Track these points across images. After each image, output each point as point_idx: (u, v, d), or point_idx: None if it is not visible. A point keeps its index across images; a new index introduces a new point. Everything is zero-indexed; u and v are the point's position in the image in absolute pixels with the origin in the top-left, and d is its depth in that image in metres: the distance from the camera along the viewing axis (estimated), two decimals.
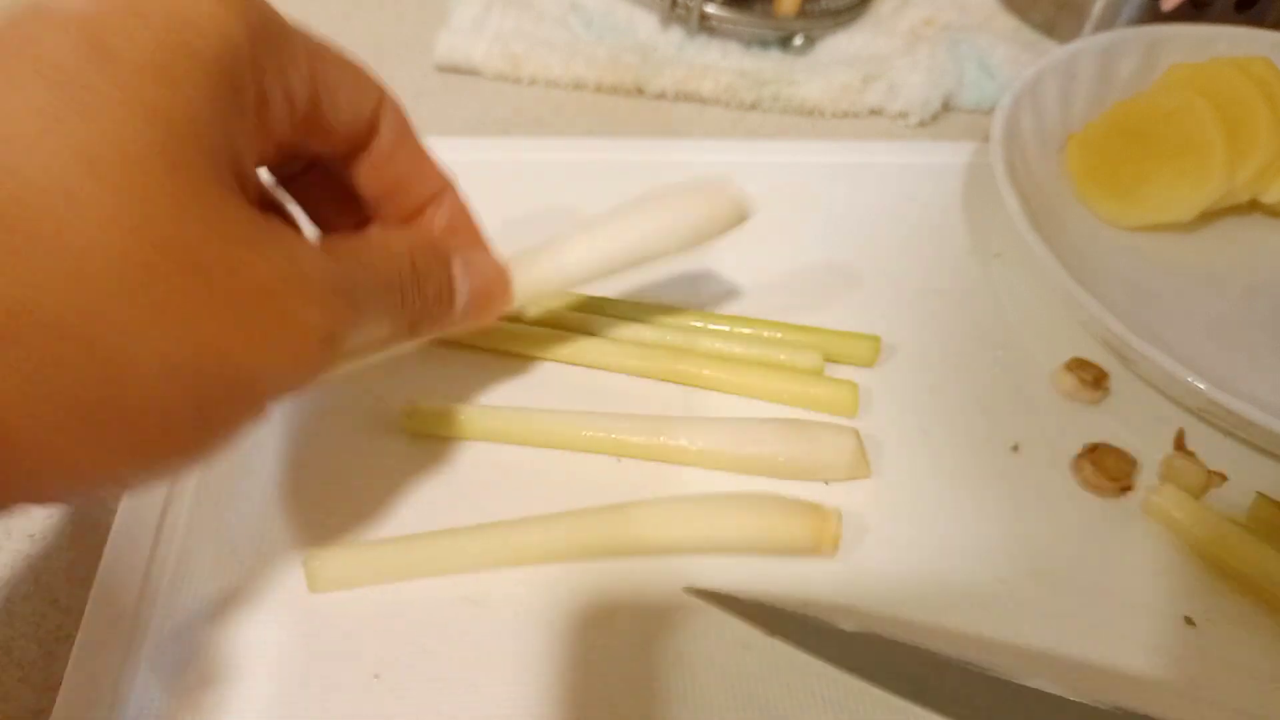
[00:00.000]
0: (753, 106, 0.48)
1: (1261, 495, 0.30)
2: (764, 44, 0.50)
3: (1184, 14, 0.48)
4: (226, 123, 0.19)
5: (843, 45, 0.50)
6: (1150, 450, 0.32)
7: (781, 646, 0.26)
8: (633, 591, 0.27)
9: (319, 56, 0.22)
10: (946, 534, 0.30)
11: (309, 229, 0.27)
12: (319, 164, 0.26)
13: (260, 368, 0.18)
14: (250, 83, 0.20)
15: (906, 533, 0.29)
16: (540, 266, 0.28)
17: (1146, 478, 0.32)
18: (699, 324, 0.34)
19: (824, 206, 0.41)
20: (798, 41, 0.49)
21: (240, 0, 0.20)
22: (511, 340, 0.34)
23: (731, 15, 0.48)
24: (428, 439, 0.31)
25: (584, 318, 0.34)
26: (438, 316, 0.25)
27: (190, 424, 0.18)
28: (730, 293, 0.37)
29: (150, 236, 0.17)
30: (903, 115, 0.47)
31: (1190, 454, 0.32)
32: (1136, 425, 0.33)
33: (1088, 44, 0.44)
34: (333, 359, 0.20)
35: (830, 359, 0.34)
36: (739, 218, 0.29)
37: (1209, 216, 0.40)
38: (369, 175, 0.26)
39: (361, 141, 0.25)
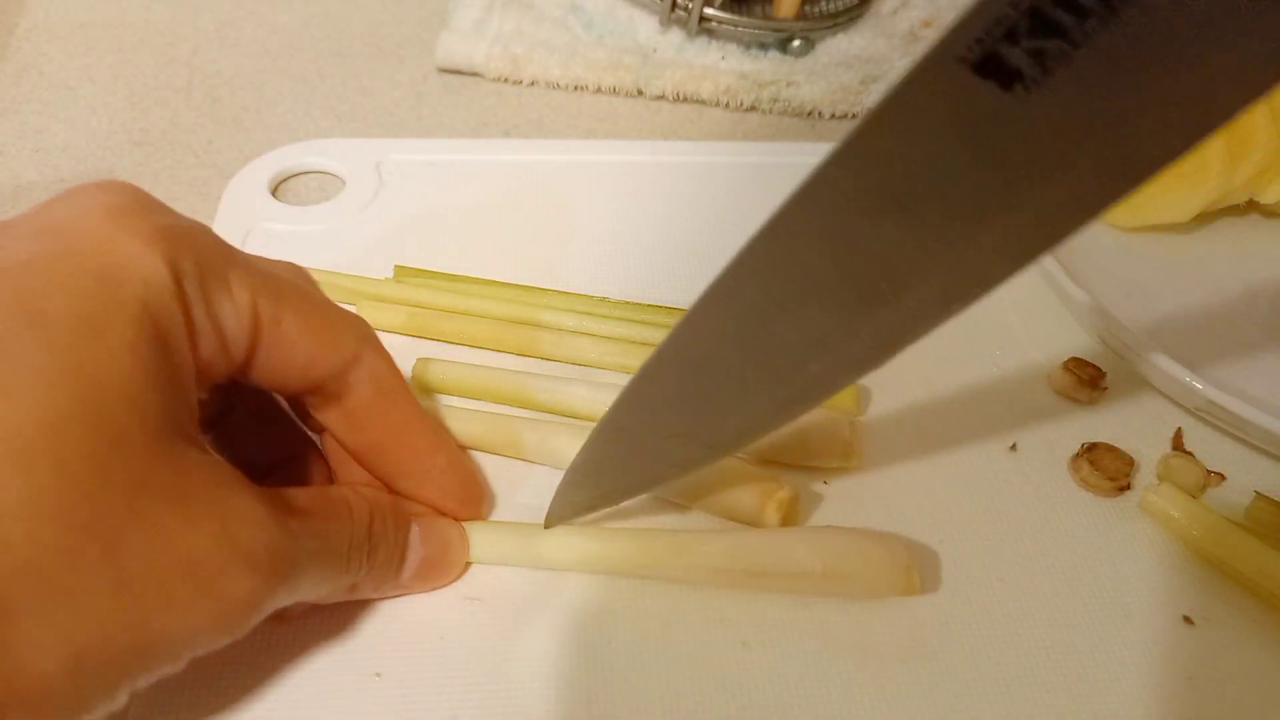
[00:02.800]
0: (752, 108, 0.48)
1: (1260, 495, 0.30)
2: (763, 46, 0.50)
3: None
4: (156, 370, 0.19)
5: (842, 47, 0.50)
6: (1148, 450, 0.32)
7: (780, 645, 0.26)
8: (633, 590, 0.27)
9: (274, 296, 0.22)
10: (943, 532, 0.30)
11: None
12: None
13: (178, 633, 0.18)
14: (178, 322, 0.20)
15: (904, 532, 0.29)
16: (509, 544, 0.27)
17: (1145, 477, 0.32)
18: None
19: None
20: (797, 43, 0.50)
21: (166, 238, 0.20)
22: (503, 336, 0.34)
23: (731, 17, 0.48)
24: None
25: (580, 317, 0.34)
26: (379, 582, 0.25)
27: (95, 690, 0.17)
28: None
29: (62, 518, 0.17)
30: None
31: (1188, 454, 0.32)
32: (1134, 425, 0.33)
33: None
34: (257, 619, 0.20)
35: None
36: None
37: (1206, 217, 0.40)
38: (344, 430, 0.25)
39: (329, 392, 0.24)
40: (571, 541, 0.27)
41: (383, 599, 0.27)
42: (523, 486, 0.30)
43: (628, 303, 0.35)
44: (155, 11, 0.51)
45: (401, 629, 0.26)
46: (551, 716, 0.25)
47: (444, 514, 0.27)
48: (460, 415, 0.31)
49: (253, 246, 0.37)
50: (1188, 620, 0.28)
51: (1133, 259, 0.39)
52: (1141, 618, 0.28)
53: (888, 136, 0.16)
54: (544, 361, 0.34)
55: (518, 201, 0.40)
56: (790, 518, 0.28)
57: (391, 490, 0.26)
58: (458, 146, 0.43)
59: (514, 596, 0.27)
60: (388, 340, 0.34)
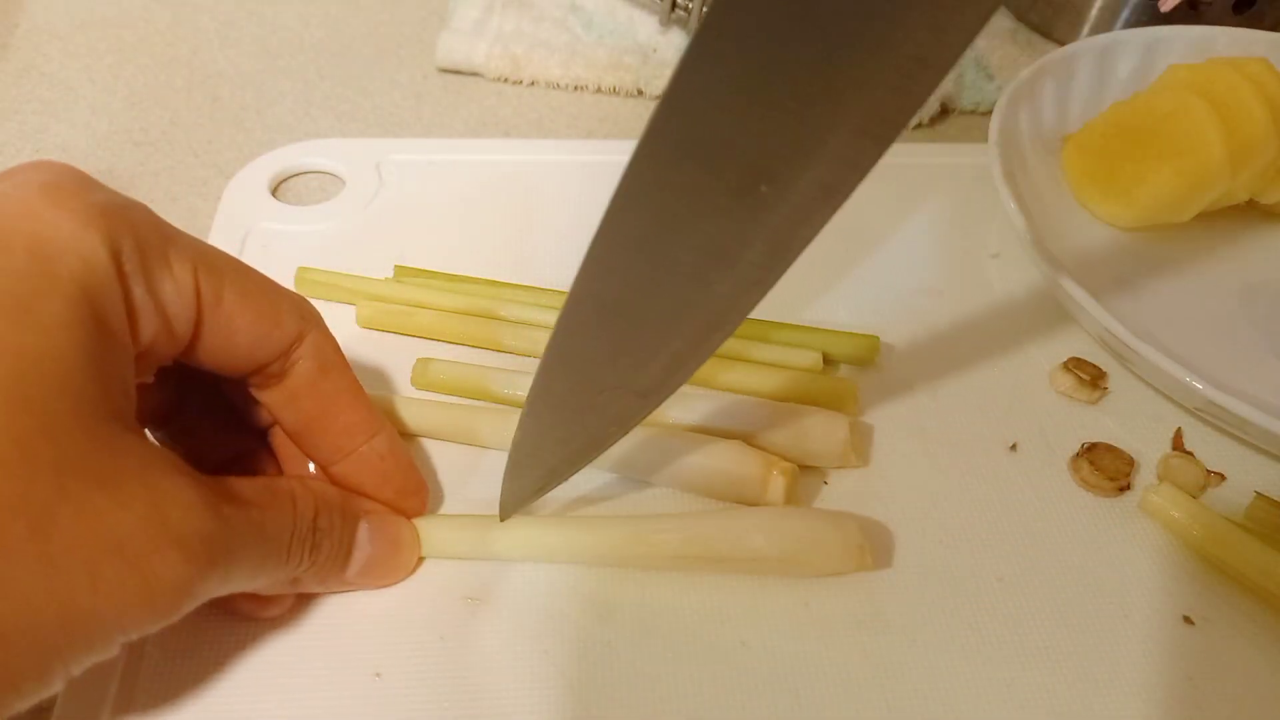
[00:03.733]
0: None
1: (1260, 495, 0.30)
2: None
3: (1182, 15, 0.48)
4: (91, 349, 0.19)
5: None
6: (1148, 450, 0.32)
7: (778, 644, 0.26)
8: (633, 589, 0.27)
9: (215, 275, 0.22)
10: (944, 533, 0.30)
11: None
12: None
13: (106, 613, 0.18)
14: (116, 301, 0.20)
15: (904, 531, 0.30)
16: (462, 539, 0.27)
17: (1145, 477, 0.32)
18: None
19: None
20: None
21: (104, 216, 0.20)
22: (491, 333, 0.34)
23: None
24: None
25: None
26: (325, 577, 0.25)
27: (22, 670, 0.17)
28: None
29: None
30: None
31: (1188, 454, 0.32)
32: (1134, 425, 0.33)
33: (1086, 45, 0.44)
34: (192, 605, 0.20)
35: (829, 358, 0.34)
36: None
37: (1207, 217, 0.40)
38: (283, 407, 0.25)
39: (272, 372, 0.24)
40: (526, 534, 0.27)
41: (330, 594, 0.26)
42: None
43: None
44: (155, 11, 0.51)
45: (401, 629, 0.26)
46: (551, 716, 0.25)
47: (383, 504, 0.27)
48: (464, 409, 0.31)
49: (253, 246, 0.37)
50: (1188, 620, 0.28)
51: (1132, 259, 0.39)
52: (1141, 618, 0.28)
53: (728, 38, 0.17)
54: (519, 356, 0.34)
55: (518, 201, 0.40)
56: (793, 493, 0.28)
57: (331, 479, 0.26)
58: (458, 146, 0.43)
59: (514, 596, 0.27)
60: (388, 340, 0.34)
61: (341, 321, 0.34)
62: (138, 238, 0.20)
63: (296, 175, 0.41)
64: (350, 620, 0.26)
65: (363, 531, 0.25)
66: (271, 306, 0.23)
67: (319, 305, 0.34)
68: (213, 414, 0.27)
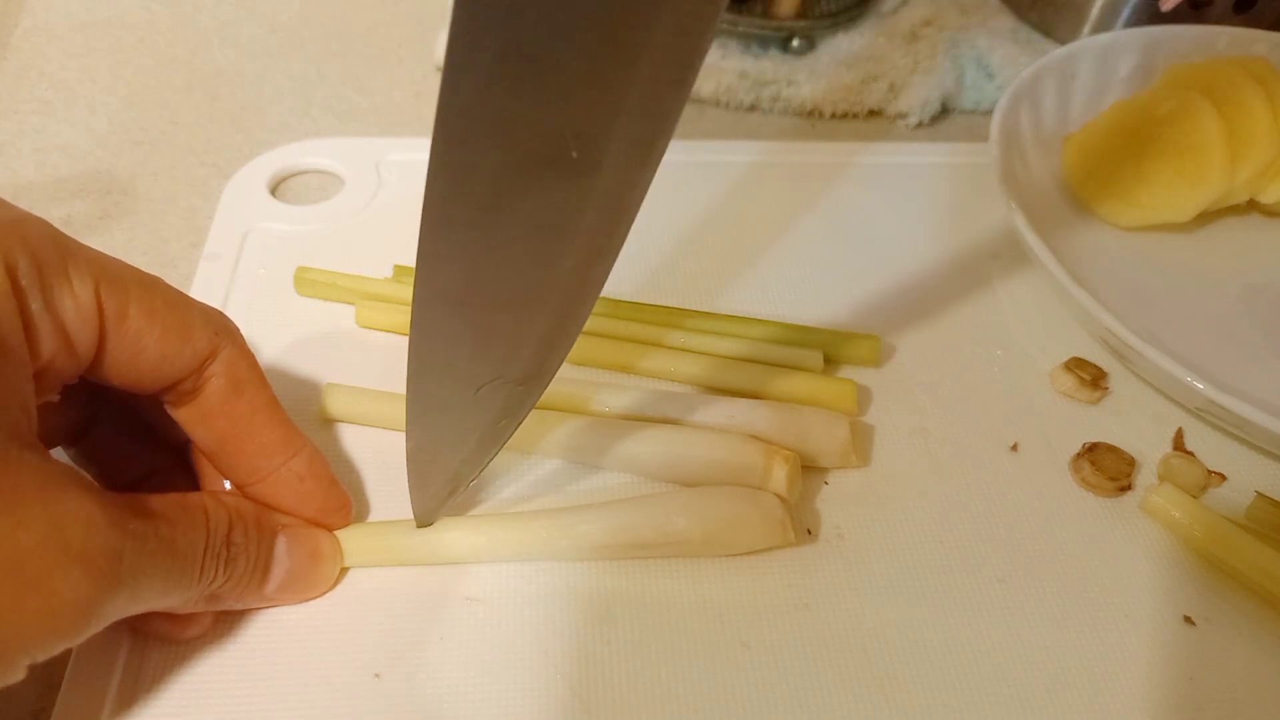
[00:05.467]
0: (752, 107, 0.48)
1: (1260, 495, 0.30)
2: (764, 45, 0.50)
3: (1182, 15, 0.48)
4: None
5: (842, 46, 0.50)
6: (1149, 450, 0.32)
7: (778, 644, 0.26)
8: (633, 589, 0.27)
9: (119, 290, 0.21)
10: (945, 532, 0.30)
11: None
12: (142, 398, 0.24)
13: (6, 635, 0.18)
14: (11, 317, 0.19)
15: (905, 531, 0.29)
16: (384, 546, 0.27)
17: (1145, 477, 0.32)
18: (698, 323, 0.34)
19: (823, 207, 0.41)
20: (797, 43, 0.49)
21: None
22: None
23: (731, 16, 0.48)
24: (340, 424, 0.31)
25: None
26: (243, 593, 0.24)
27: None
28: (730, 292, 0.37)
29: None
30: (902, 116, 0.47)
31: (1189, 454, 0.32)
32: (1135, 425, 0.33)
33: (1086, 44, 0.44)
34: (99, 624, 0.19)
35: (830, 359, 0.34)
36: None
37: (1207, 217, 0.40)
38: (196, 426, 0.24)
39: (185, 389, 0.24)
40: (450, 535, 0.27)
41: (249, 610, 0.26)
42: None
43: (630, 302, 0.35)
44: (155, 11, 0.51)
45: (401, 629, 0.26)
46: (551, 716, 0.25)
47: (309, 523, 0.26)
48: None
49: (252, 246, 0.37)
50: (1188, 620, 0.28)
51: (1133, 259, 0.39)
52: (1141, 618, 0.28)
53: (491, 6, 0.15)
54: None
55: None
56: (794, 482, 0.29)
57: (249, 499, 0.25)
58: None
59: (514, 596, 0.27)
60: (388, 340, 0.34)
61: (341, 321, 0.34)
62: (33, 253, 0.20)
63: (296, 175, 0.41)
64: (350, 621, 0.26)
65: (280, 545, 0.25)
66: (181, 322, 0.23)
67: (318, 305, 0.35)
68: (126, 431, 0.26)
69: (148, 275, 0.23)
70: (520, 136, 0.17)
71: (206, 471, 0.27)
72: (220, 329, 0.24)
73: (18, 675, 0.18)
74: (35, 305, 0.20)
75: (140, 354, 0.22)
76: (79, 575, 0.19)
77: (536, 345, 0.22)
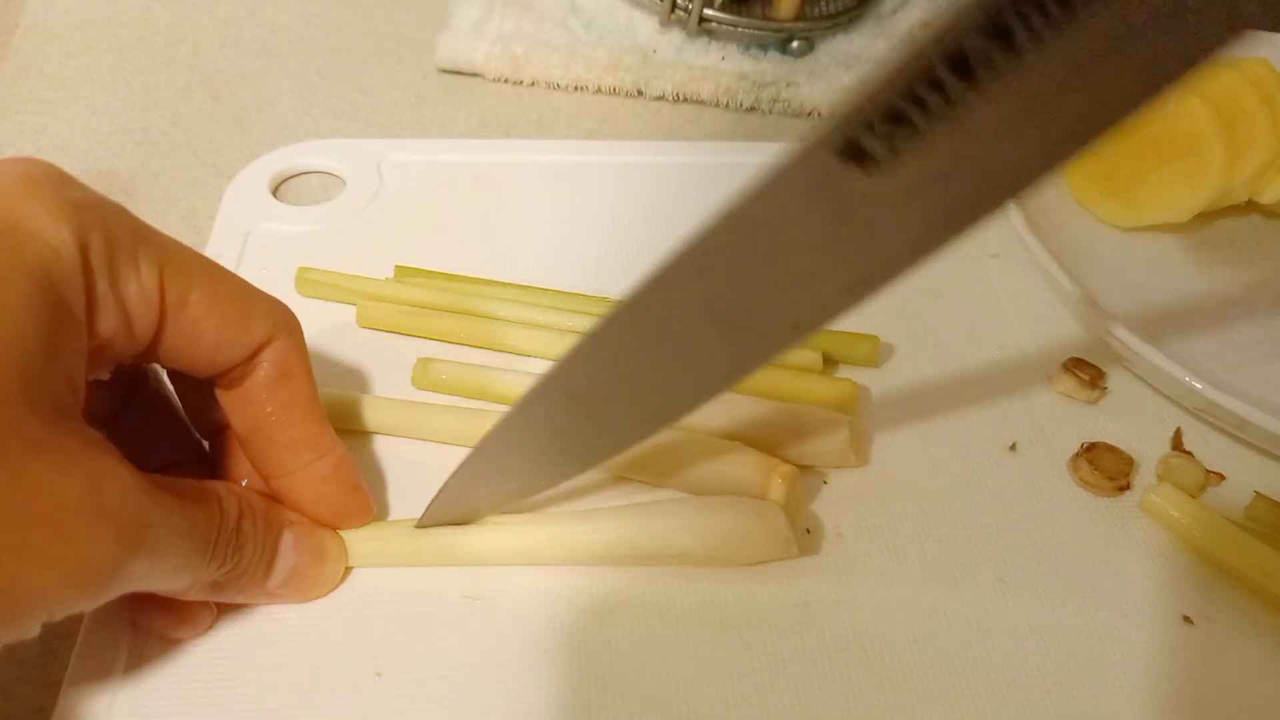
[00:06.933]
0: (752, 109, 0.48)
1: (1259, 495, 0.30)
2: (763, 46, 0.50)
3: None
4: (46, 332, 0.19)
5: (842, 47, 0.50)
6: (1148, 450, 0.32)
7: (778, 644, 0.26)
8: (633, 589, 0.27)
9: (183, 277, 0.22)
10: (944, 532, 0.30)
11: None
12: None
13: (33, 584, 0.18)
14: (78, 292, 0.20)
15: (904, 531, 0.30)
16: (387, 548, 0.27)
17: (1144, 477, 0.32)
18: None
19: None
20: (797, 44, 0.50)
21: (76, 211, 0.20)
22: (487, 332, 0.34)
23: (731, 18, 0.48)
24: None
25: (579, 318, 0.34)
26: (246, 585, 0.25)
27: None
28: None
29: None
30: None
31: (1188, 453, 0.32)
32: (1134, 425, 0.33)
33: None
34: (117, 589, 0.20)
35: (829, 358, 0.34)
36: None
37: (1206, 217, 0.40)
38: (236, 408, 0.25)
39: (236, 376, 0.24)
40: (451, 540, 0.27)
41: (250, 609, 0.26)
42: None
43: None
44: (155, 11, 0.51)
45: (401, 629, 0.26)
46: (551, 716, 0.25)
47: (321, 523, 0.26)
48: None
49: (253, 246, 0.37)
50: (1188, 620, 0.28)
51: (1131, 259, 0.39)
52: (1141, 618, 0.28)
53: (761, 205, 0.18)
54: (546, 362, 0.34)
55: (518, 202, 0.40)
56: (793, 495, 0.28)
57: (272, 491, 0.26)
58: (458, 146, 0.43)
59: (514, 596, 0.27)
60: (388, 340, 0.34)
61: (342, 321, 0.35)
62: (108, 236, 0.21)
63: (297, 175, 0.41)
64: (351, 619, 0.26)
65: (286, 541, 0.25)
66: (241, 312, 0.23)
67: (319, 305, 0.35)
68: (152, 421, 0.27)
69: (214, 264, 0.24)
70: (714, 303, 0.20)
71: (224, 469, 0.27)
72: (279, 321, 0.24)
73: (32, 631, 0.19)
74: (102, 285, 0.21)
75: (197, 340, 0.23)
76: (110, 535, 0.19)
77: (612, 444, 0.25)
